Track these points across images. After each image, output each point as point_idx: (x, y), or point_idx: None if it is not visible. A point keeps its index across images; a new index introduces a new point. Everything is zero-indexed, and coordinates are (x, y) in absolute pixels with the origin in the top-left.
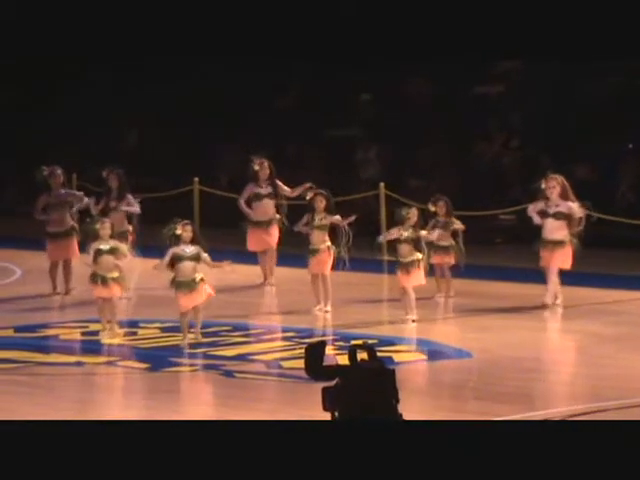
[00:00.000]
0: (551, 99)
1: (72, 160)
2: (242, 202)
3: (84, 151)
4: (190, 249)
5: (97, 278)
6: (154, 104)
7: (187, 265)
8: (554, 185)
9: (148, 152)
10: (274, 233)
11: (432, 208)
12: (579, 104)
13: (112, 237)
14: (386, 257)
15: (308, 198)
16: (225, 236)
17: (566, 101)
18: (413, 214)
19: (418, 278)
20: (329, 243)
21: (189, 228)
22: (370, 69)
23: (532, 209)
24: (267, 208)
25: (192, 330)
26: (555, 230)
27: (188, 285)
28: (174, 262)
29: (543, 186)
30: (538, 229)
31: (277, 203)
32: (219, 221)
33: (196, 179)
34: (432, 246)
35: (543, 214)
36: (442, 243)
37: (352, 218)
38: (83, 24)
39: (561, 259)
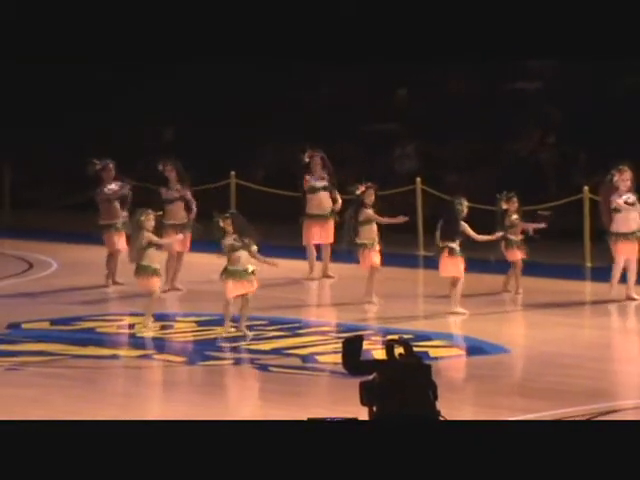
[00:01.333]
0: (588, 95)
1: (111, 155)
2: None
3: (120, 146)
4: (231, 241)
5: (143, 269)
6: (189, 100)
7: (241, 255)
8: (628, 177)
9: (184, 147)
10: (330, 227)
11: (504, 206)
12: (615, 100)
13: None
14: (422, 252)
15: (359, 192)
16: (261, 230)
17: (603, 97)
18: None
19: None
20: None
21: (230, 222)
22: (408, 64)
23: (616, 200)
24: (323, 201)
25: (236, 324)
26: (632, 221)
27: (239, 274)
28: (229, 253)
29: (616, 178)
30: (574, 225)
31: (332, 196)
32: (255, 215)
33: (233, 173)
34: (509, 243)
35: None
36: (516, 238)
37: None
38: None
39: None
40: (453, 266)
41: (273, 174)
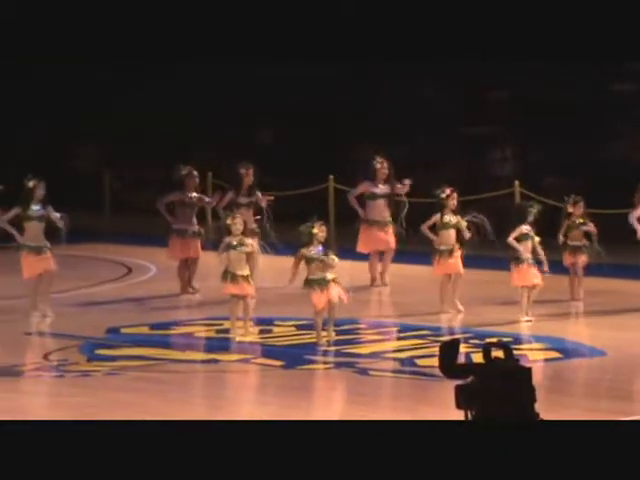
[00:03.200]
0: None
1: (207, 159)
2: (353, 198)
3: (219, 150)
4: (319, 249)
5: (227, 275)
6: (287, 102)
7: (318, 265)
8: None
9: (282, 151)
10: (391, 233)
11: (570, 209)
12: None
13: (243, 233)
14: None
15: (443, 196)
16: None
17: None
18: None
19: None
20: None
21: (324, 229)
22: (506, 67)
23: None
24: (382, 209)
25: (325, 328)
26: None
27: (320, 283)
28: (305, 262)
29: None
30: None
31: (394, 202)
32: (354, 219)
33: (331, 177)
34: (566, 247)
35: None
36: (575, 243)
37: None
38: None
39: None
40: (525, 275)
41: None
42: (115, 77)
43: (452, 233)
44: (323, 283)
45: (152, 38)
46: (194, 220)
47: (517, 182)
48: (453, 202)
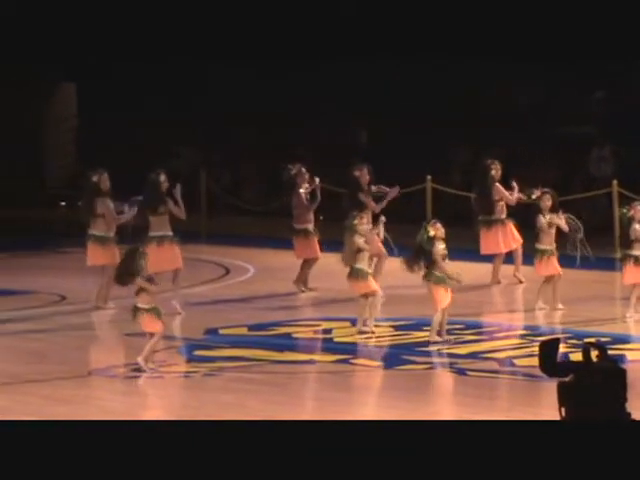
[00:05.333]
0: None
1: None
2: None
3: (314, 150)
4: (443, 246)
5: (356, 273)
6: (381, 102)
7: (447, 262)
8: None
9: (379, 151)
10: (512, 231)
11: (631, 212)
12: None
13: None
14: (619, 255)
15: (534, 197)
16: (457, 234)
17: None
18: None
19: None
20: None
21: (439, 226)
22: (602, 66)
23: None
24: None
25: (428, 328)
26: None
27: (445, 281)
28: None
29: None
30: None
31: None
32: (452, 220)
33: (429, 177)
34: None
35: None
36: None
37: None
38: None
39: None
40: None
41: (469, 178)
42: (215, 76)
43: (552, 233)
44: (449, 282)
45: (270, 37)
46: (310, 217)
47: (615, 182)
48: (547, 203)
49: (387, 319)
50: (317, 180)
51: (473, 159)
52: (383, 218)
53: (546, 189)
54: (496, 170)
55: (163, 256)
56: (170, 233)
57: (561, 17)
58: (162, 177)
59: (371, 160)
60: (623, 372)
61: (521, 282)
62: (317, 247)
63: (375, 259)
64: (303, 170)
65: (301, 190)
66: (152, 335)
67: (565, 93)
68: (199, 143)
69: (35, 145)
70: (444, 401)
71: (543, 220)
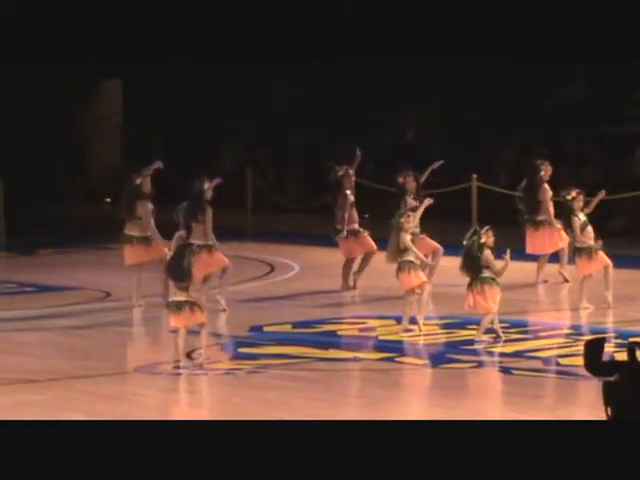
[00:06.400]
0: None
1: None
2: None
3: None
4: (489, 251)
5: (405, 266)
6: (429, 102)
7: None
8: None
9: (426, 150)
10: (559, 231)
11: None
12: None
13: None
14: None
15: (570, 198)
16: (502, 233)
17: None
18: None
19: None
20: None
21: (491, 233)
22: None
23: None
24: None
25: (474, 327)
26: None
27: (496, 281)
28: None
29: None
30: None
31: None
32: (497, 218)
33: (474, 176)
34: None
35: None
36: None
37: None
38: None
39: None
40: None
41: (514, 176)
42: (260, 79)
43: (590, 231)
44: (496, 284)
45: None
46: (356, 217)
47: None
48: (579, 204)
49: (433, 317)
50: (359, 153)
51: (519, 158)
52: (430, 200)
53: (579, 190)
54: (545, 171)
55: (207, 261)
56: (211, 242)
57: (609, 16)
58: (206, 185)
59: (417, 159)
60: None
61: (567, 281)
62: (370, 242)
63: (430, 255)
64: (350, 172)
65: (347, 191)
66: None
67: (609, 92)
68: (245, 142)
69: (80, 142)
70: (488, 400)
71: (577, 220)
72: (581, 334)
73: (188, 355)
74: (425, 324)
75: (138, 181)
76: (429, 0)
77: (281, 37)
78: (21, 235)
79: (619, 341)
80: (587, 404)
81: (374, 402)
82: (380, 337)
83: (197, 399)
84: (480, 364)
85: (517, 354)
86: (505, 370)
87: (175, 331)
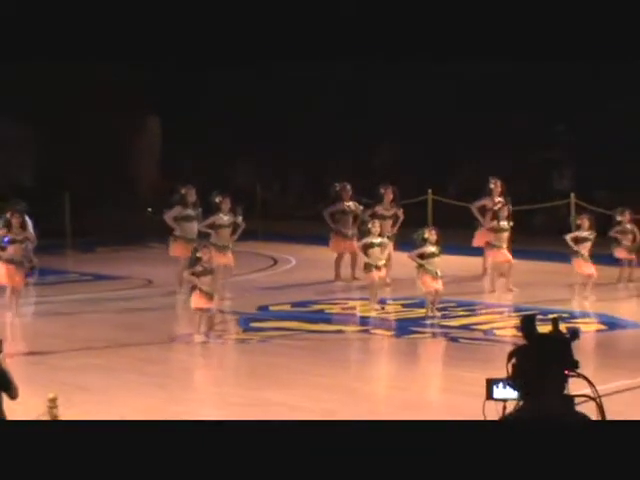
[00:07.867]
0: None
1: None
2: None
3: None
4: (435, 248)
5: (370, 266)
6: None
7: (437, 260)
8: None
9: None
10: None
11: None
12: None
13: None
14: None
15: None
16: (449, 234)
17: None
18: None
19: None
20: None
21: (434, 232)
22: None
23: None
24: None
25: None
26: None
27: (433, 271)
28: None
29: None
30: None
31: None
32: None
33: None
34: None
35: None
36: None
37: None
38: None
39: None
40: None
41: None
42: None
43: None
44: (435, 273)
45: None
46: (350, 225)
47: None
48: (504, 213)
49: (398, 298)
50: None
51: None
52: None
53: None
54: (495, 186)
55: (219, 257)
56: (227, 244)
57: (608, 16)
58: (218, 199)
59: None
60: (567, 342)
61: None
62: (354, 245)
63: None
64: (348, 187)
65: (347, 204)
66: (206, 310)
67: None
68: (256, 159)
69: (128, 166)
70: (441, 362)
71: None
72: (512, 311)
73: (210, 328)
74: (393, 304)
75: (183, 191)
76: (429, 0)
77: (281, 37)
78: (83, 236)
79: (541, 317)
80: None
81: (353, 365)
82: (359, 314)
83: (219, 362)
84: (433, 334)
85: (463, 327)
86: (454, 339)
87: (200, 310)
